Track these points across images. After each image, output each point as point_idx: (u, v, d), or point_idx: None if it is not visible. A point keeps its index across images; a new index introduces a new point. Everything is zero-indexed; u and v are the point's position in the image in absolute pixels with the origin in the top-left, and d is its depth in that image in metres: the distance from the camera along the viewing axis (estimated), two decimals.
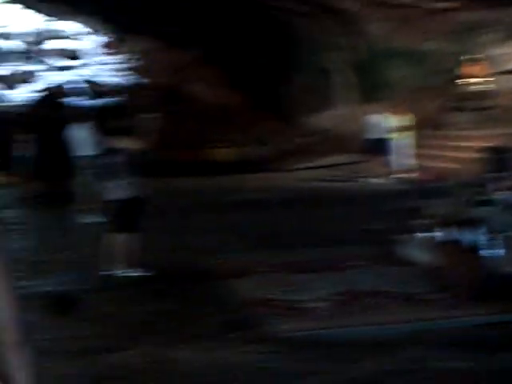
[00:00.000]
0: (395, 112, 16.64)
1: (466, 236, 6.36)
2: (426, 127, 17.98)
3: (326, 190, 15.29)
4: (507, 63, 18.50)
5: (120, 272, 7.64)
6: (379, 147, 16.43)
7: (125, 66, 24.69)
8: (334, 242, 9.14)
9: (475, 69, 18.14)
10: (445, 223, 6.88)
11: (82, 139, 13.62)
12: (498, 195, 7.41)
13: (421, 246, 7.66)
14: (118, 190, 7.66)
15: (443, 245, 6.72)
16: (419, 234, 7.88)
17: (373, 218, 10.93)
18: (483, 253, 6.24)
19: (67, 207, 13.14)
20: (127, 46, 24.35)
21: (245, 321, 6.02)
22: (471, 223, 6.45)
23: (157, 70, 22.59)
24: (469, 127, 17.78)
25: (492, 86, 18.08)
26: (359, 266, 7.78)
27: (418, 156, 16.53)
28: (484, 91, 18.08)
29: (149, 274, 7.61)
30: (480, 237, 6.28)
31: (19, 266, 8.00)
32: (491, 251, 6.26)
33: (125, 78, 24.34)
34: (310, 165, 18.53)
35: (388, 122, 16.70)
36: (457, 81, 18.41)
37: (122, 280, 7.56)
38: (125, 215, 7.72)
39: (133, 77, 23.80)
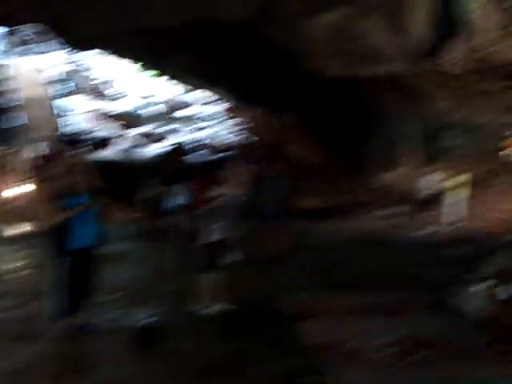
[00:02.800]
0: (452, 172, 18.36)
1: None
2: (478, 186, 20.46)
3: (390, 237, 16.24)
4: None
5: (204, 308, 7.90)
6: (434, 201, 17.98)
7: (240, 127, 28.21)
8: (395, 287, 9.28)
9: None
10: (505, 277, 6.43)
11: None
12: None
13: (479, 297, 7.38)
14: (214, 232, 7.93)
15: (504, 299, 6.30)
16: (478, 286, 7.63)
17: (432, 266, 11.32)
18: None
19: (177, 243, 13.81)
20: (243, 112, 27.95)
21: (310, 367, 5.91)
22: None
23: (263, 131, 26.20)
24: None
25: None
26: (418, 312, 7.73)
27: (473, 210, 17.75)
28: None
29: (229, 308, 7.93)
30: None
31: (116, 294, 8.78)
32: None
33: (239, 137, 27.72)
34: (378, 214, 20.88)
35: (445, 181, 18.26)
36: (506, 149, 20.85)
37: (204, 315, 7.77)
38: (215, 256, 7.96)
39: (245, 136, 27.14)
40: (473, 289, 7.66)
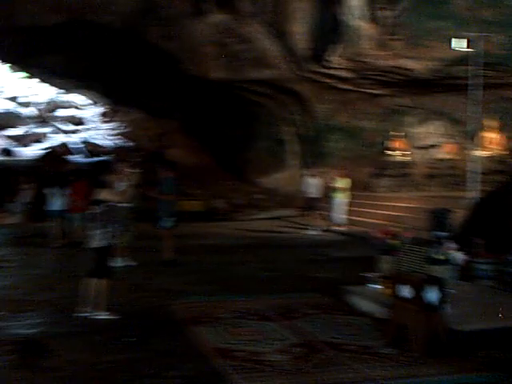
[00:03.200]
0: (334, 175, 18.67)
1: (423, 293, 5.91)
2: (359, 189, 20.99)
3: (275, 239, 16.28)
4: (422, 140, 22.23)
5: (91, 315, 7.52)
6: (318, 204, 18.20)
7: (117, 131, 27.47)
8: (290, 289, 9.22)
9: (398, 143, 21.60)
10: (398, 279, 6.41)
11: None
12: (449, 254, 7.31)
13: (372, 298, 7.47)
14: (97, 238, 7.56)
15: (397, 300, 6.25)
16: (371, 286, 7.77)
17: (325, 267, 11.43)
18: (436, 310, 5.94)
19: (57, 247, 13.65)
20: (120, 116, 27.38)
21: (208, 375, 5.65)
22: (426, 281, 6.00)
23: (141, 135, 25.75)
24: (392, 190, 21.16)
25: (409, 158, 21.56)
26: (313, 314, 7.54)
27: (353, 212, 18.41)
28: (404, 161, 21.50)
29: (115, 317, 7.51)
30: (434, 294, 5.90)
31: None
32: (444, 309, 6.03)
33: (116, 141, 27.01)
34: (261, 216, 21.42)
35: (329, 184, 18.64)
36: (384, 152, 21.75)
37: (92, 323, 7.33)
38: (100, 261, 7.61)
39: (122, 140, 26.50)
40: (369, 288, 7.79)
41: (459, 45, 13.91)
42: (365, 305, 7.62)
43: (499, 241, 8.29)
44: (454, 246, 7.27)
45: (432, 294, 6.01)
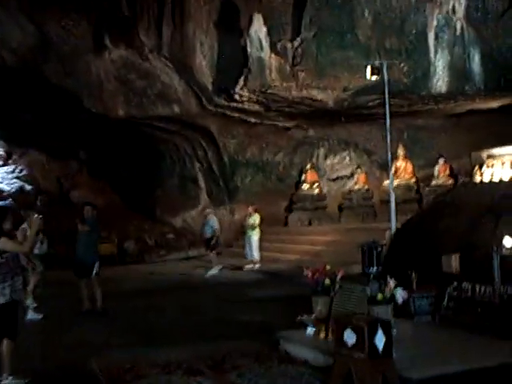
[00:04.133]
0: (246, 212, 18.02)
1: (367, 337, 5.34)
2: (274, 224, 20.57)
3: (192, 280, 15.67)
4: (334, 172, 22.19)
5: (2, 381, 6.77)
6: (217, 243, 17.05)
7: (15, 174, 25.43)
8: (214, 336, 8.53)
9: (311, 176, 21.36)
10: (338, 322, 5.86)
11: None
12: (388, 292, 6.71)
13: (310, 344, 6.97)
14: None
15: (338, 345, 5.67)
16: (307, 330, 7.25)
17: (247, 308, 10.83)
18: (383, 355, 5.39)
19: None
20: (19, 158, 25.39)
21: None
22: (369, 324, 5.46)
23: (43, 178, 24.33)
24: (306, 224, 20.84)
25: (322, 190, 21.35)
26: (245, 365, 6.81)
27: (270, 248, 17.84)
28: (318, 194, 21.22)
29: (22, 381, 6.84)
30: (379, 338, 5.35)
31: None
32: (391, 354, 5.49)
33: (15, 185, 24.99)
34: (173, 257, 20.77)
35: (244, 220, 18.11)
36: (297, 185, 21.51)
37: None
38: (8, 319, 6.88)
39: (22, 183, 24.65)
40: (305, 333, 7.17)
41: (370, 74, 13.76)
42: (302, 352, 6.95)
43: (431, 271, 7.84)
44: (392, 281, 6.65)
45: (377, 338, 5.43)
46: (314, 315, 7.26)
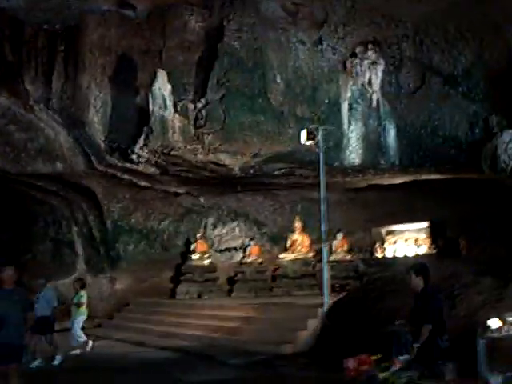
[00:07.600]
0: (73, 287, 14.41)
1: None
2: (155, 295, 19.24)
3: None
4: (224, 242, 21.14)
5: None
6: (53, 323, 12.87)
7: None
8: None
9: (200, 246, 20.16)
10: None
11: None
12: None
13: None
14: None
15: None
16: None
17: None
18: None
19: None
20: None
21: None
22: None
23: None
24: (196, 296, 19.33)
25: (212, 261, 20.17)
26: None
27: (163, 322, 16.11)
28: (206, 265, 19.96)
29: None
30: None
31: None
32: None
33: None
34: None
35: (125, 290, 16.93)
36: (185, 255, 20.19)
37: None
38: None
39: None
40: None
41: (306, 138, 12.93)
42: None
43: None
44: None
45: None
46: None
